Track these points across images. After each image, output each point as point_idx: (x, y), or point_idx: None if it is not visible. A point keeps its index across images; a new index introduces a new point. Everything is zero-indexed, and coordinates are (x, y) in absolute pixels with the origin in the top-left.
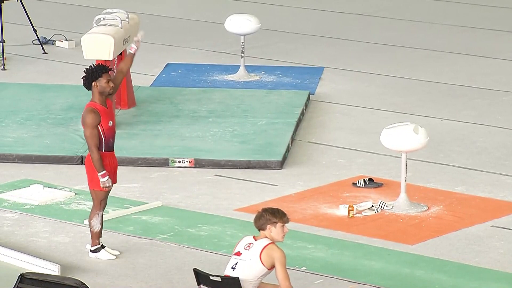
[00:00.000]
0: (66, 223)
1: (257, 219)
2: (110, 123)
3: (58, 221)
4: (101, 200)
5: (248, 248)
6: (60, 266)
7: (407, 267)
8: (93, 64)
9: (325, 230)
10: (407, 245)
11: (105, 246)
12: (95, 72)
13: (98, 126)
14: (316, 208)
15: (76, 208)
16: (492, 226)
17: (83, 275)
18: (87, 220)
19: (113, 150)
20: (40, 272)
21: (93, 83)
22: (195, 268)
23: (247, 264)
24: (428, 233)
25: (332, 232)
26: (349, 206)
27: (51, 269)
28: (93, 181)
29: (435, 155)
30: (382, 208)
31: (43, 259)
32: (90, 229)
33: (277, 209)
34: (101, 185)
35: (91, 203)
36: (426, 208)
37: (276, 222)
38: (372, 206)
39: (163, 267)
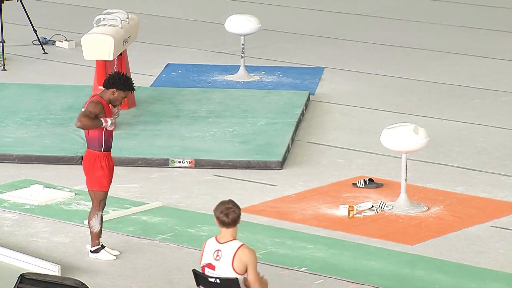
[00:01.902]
0: (66, 223)
1: (230, 214)
2: None
3: (58, 221)
4: (100, 200)
5: (218, 258)
6: (60, 266)
7: (407, 267)
8: (126, 75)
9: (325, 230)
10: (407, 245)
11: (105, 246)
12: (124, 84)
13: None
14: (316, 208)
15: (76, 209)
16: (492, 226)
17: (83, 275)
18: (87, 220)
19: (110, 151)
20: (40, 272)
21: (114, 89)
22: (194, 269)
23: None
24: (428, 233)
25: (332, 232)
26: (349, 206)
27: (51, 269)
28: (91, 181)
29: (435, 156)
30: (382, 208)
31: (43, 259)
32: (90, 229)
33: (230, 200)
34: (110, 127)
35: (91, 203)
36: (426, 208)
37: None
38: (372, 206)
39: (163, 268)
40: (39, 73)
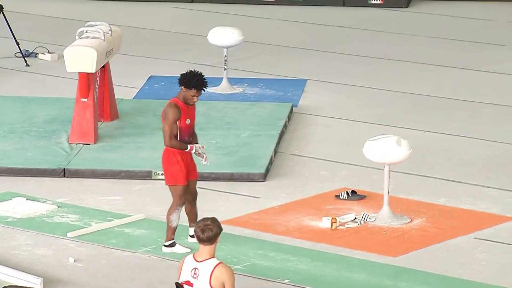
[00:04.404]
0: (48, 236)
1: (206, 231)
2: (188, 121)
3: (41, 234)
4: (180, 195)
5: (195, 276)
6: (42, 279)
7: (390, 279)
8: (200, 73)
9: (308, 242)
10: (390, 257)
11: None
12: (192, 82)
13: (177, 122)
14: (299, 220)
15: (59, 221)
16: (474, 238)
17: None
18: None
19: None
20: (22, 285)
21: (184, 87)
22: (177, 282)
23: None
24: (411, 245)
25: (315, 244)
26: (332, 218)
27: (33, 282)
28: (169, 176)
29: (417, 167)
30: (365, 220)
31: (26, 272)
32: (168, 224)
33: (213, 218)
34: (193, 152)
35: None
36: (409, 220)
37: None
38: (355, 218)
39: (146, 280)
40: (22, 85)
